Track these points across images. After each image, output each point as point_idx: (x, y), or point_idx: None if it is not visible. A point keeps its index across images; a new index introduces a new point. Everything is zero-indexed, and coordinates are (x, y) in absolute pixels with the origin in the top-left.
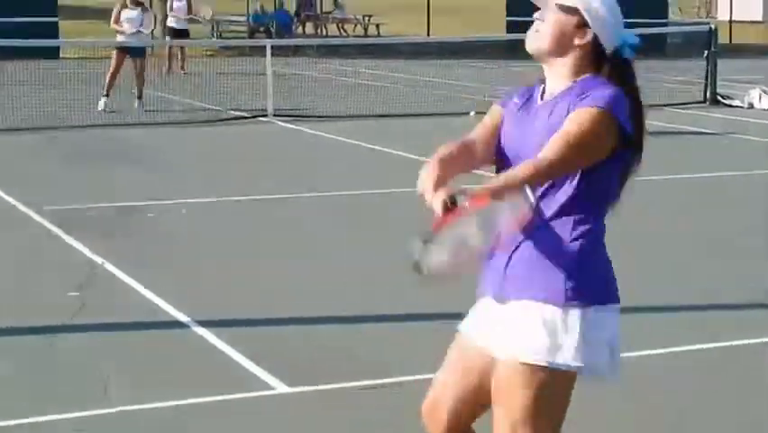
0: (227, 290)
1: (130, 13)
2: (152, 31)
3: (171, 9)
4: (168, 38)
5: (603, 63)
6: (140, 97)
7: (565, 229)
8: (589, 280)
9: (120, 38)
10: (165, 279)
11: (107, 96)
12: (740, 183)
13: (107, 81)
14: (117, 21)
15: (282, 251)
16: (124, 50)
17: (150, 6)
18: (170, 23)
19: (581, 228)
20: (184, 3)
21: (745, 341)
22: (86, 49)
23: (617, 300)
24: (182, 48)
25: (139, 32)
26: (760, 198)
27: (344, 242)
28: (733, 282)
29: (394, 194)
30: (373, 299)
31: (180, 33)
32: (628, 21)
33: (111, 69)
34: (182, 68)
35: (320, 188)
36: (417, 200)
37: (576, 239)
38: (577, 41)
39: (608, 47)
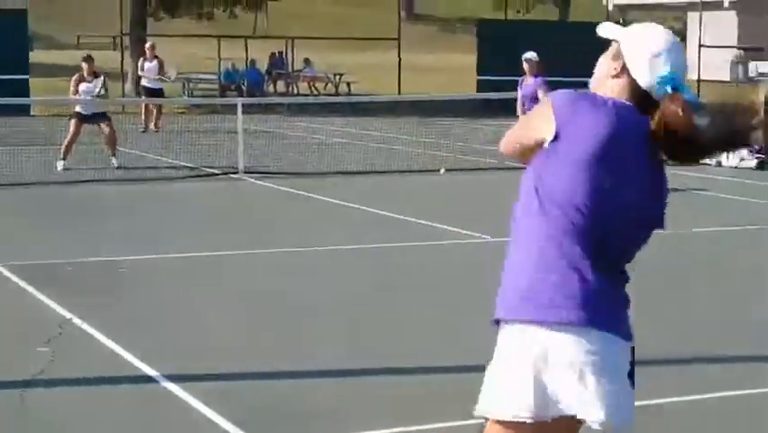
0: (196, 344)
1: (87, 87)
2: (103, 90)
3: (143, 69)
4: (143, 97)
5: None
6: (113, 155)
7: (522, 248)
8: (511, 295)
9: (77, 108)
10: (135, 334)
11: (64, 159)
12: (683, 239)
13: (64, 148)
14: (76, 93)
15: (252, 305)
16: (82, 119)
17: (122, 66)
18: (144, 82)
19: (535, 246)
20: (155, 63)
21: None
22: (57, 106)
23: (538, 318)
24: (159, 106)
25: (92, 98)
26: (700, 253)
27: (313, 297)
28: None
29: (364, 250)
30: (343, 354)
31: (155, 92)
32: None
33: (69, 138)
34: (156, 125)
35: (290, 244)
36: (384, 257)
37: (527, 257)
38: (612, 72)
39: (640, 80)
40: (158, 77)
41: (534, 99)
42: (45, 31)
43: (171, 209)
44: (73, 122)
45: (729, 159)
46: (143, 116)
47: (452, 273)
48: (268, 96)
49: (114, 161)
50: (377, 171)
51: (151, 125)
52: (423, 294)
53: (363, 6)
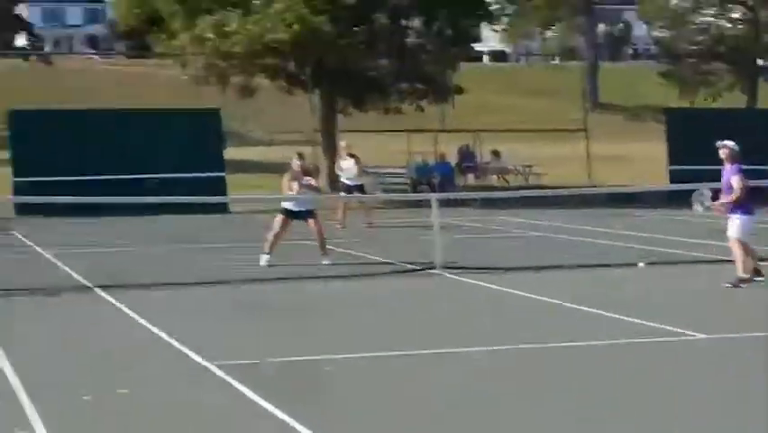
0: None
1: (347, 165)
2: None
3: (340, 169)
4: (342, 194)
5: None
6: (324, 254)
7: None
8: None
9: (286, 204)
10: None
11: (269, 254)
12: None
13: (270, 243)
14: (290, 190)
15: (462, 407)
16: (290, 215)
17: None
18: (343, 179)
19: None
20: (352, 161)
21: None
22: (255, 203)
23: None
24: (364, 203)
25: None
26: None
27: (524, 398)
28: None
29: (572, 348)
30: None
31: (354, 189)
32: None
33: (274, 233)
34: (368, 222)
35: (493, 343)
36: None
37: None
38: None
39: None
40: (355, 175)
41: (729, 188)
42: (235, 128)
43: (376, 307)
44: (280, 217)
45: None
46: (342, 213)
47: (671, 374)
48: (459, 189)
49: (324, 260)
50: (575, 265)
51: (368, 221)
52: (650, 397)
53: (547, 97)
